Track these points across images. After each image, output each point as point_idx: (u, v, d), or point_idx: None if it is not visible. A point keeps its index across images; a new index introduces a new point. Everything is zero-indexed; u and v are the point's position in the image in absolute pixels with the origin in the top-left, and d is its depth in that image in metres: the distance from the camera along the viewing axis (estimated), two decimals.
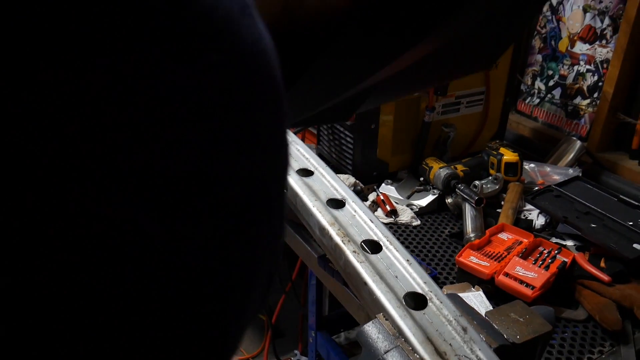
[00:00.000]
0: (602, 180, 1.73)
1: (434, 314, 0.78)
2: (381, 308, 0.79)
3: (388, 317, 0.77)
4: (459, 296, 0.89)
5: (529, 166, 1.54)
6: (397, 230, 1.32)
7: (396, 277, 0.83)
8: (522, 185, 1.42)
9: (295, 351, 2.19)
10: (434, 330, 0.75)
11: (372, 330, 0.76)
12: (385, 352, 0.73)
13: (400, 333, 0.75)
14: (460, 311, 0.78)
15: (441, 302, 0.79)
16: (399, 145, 1.49)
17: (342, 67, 0.41)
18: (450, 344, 0.73)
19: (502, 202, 1.37)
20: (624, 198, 1.29)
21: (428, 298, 0.80)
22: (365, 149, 1.44)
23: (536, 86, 2.08)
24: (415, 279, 0.83)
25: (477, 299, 1.06)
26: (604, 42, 1.82)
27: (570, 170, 1.53)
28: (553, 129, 2.04)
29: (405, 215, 1.35)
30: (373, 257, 0.87)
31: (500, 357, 0.73)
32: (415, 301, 0.80)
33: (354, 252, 0.87)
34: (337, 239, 0.90)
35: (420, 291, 0.81)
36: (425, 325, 0.76)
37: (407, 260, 0.86)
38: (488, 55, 0.54)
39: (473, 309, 0.86)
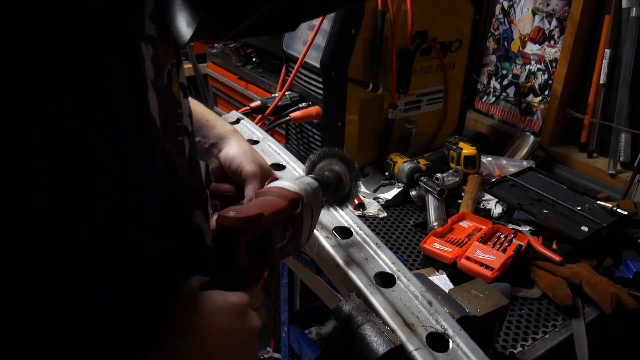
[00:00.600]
0: (555, 172, 1.84)
1: (402, 291, 0.84)
2: (354, 287, 0.85)
3: (360, 294, 0.83)
4: (424, 275, 0.96)
5: (486, 160, 1.64)
6: (365, 222, 1.38)
7: (366, 259, 0.90)
8: (481, 177, 1.51)
9: (268, 348, 2.24)
10: (403, 305, 0.81)
11: (346, 307, 0.82)
12: (359, 326, 0.79)
13: (371, 308, 0.81)
14: (426, 287, 0.85)
15: (408, 280, 0.86)
16: (365, 142, 1.56)
17: None
18: (417, 317, 0.80)
19: (463, 193, 1.45)
20: (574, 187, 1.39)
21: (396, 277, 0.87)
22: (333, 146, 1.49)
23: (492, 85, 2.19)
24: (384, 260, 0.89)
25: (441, 282, 1.13)
26: (552, 42, 1.94)
27: (525, 163, 1.62)
28: (508, 125, 2.15)
29: (373, 208, 1.42)
30: (344, 241, 0.93)
31: (462, 326, 0.80)
32: (384, 280, 0.86)
33: (327, 237, 0.93)
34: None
35: (389, 271, 0.88)
36: (395, 300, 0.82)
37: (376, 244, 0.92)
38: None
39: (438, 286, 0.93)
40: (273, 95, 1.56)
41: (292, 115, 1.46)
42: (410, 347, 0.75)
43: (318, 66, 1.40)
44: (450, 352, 0.76)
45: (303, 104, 1.50)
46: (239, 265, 0.58)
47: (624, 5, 1.68)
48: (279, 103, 1.51)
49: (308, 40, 1.43)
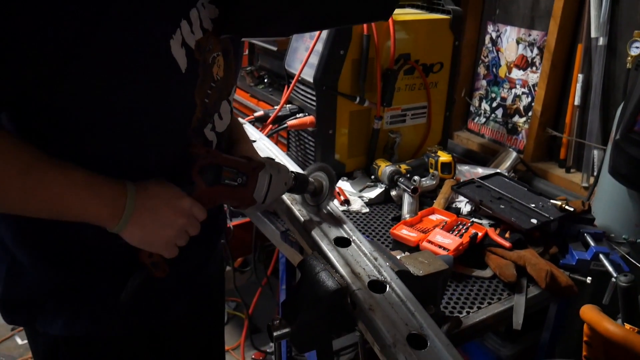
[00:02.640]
0: (534, 184, 2.02)
1: (354, 250, 1.05)
2: (316, 247, 1.06)
3: (320, 252, 1.04)
4: (379, 243, 1.15)
5: (463, 168, 1.83)
6: (349, 215, 1.59)
7: (329, 226, 1.10)
8: (456, 182, 1.70)
9: (272, 344, 2.42)
10: (353, 260, 1.02)
11: (309, 260, 1.02)
12: (316, 273, 0.99)
13: (328, 262, 1.01)
14: (375, 248, 1.05)
15: (361, 243, 1.06)
16: (354, 149, 1.77)
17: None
18: (363, 268, 1.00)
19: None
20: (532, 188, 1.57)
21: (352, 240, 1.07)
22: (325, 151, 1.72)
23: (482, 107, 2.39)
24: (344, 227, 1.10)
25: None
26: (534, 68, 2.14)
27: (498, 171, 1.81)
28: (497, 143, 2.34)
29: (357, 205, 1.62)
30: (313, 214, 1.14)
31: (403, 281, 0.99)
32: (341, 242, 1.07)
33: (300, 210, 1.15)
34: (287, 202, 1.17)
35: (346, 236, 1.08)
36: (347, 256, 1.02)
37: (338, 215, 1.13)
38: (383, 8, 0.88)
39: (387, 250, 1.13)
40: (274, 107, 1.80)
41: (289, 123, 1.69)
42: (354, 287, 0.94)
43: (312, 81, 1.63)
44: (386, 294, 0.95)
45: (300, 115, 1.73)
46: (191, 180, 0.85)
47: (593, 35, 1.88)
48: (279, 113, 1.74)
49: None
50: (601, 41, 1.86)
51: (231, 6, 0.85)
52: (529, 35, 2.13)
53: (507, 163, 2.07)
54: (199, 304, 1.09)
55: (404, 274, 1.02)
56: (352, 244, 1.06)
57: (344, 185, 1.71)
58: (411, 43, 1.73)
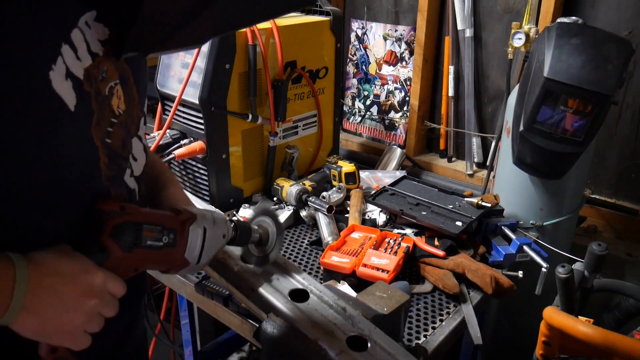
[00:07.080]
0: (423, 178, 2.03)
1: (317, 303, 0.90)
2: (271, 307, 0.89)
3: (279, 313, 0.87)
4: (332, 285, 1.02)
5: (364, 174, 1.76)
6: None
7: (278, 279, 0.94)
8: (362, 191, 1.63)
9: None
10: (320, 315, 0.87)
11: (267, 327, 0.85)
12: (283, 344, 0.82)
13: (292, 324, 0.85)
14: (338, 296, 0.91)
15: (320, 292, 0.92)
16: (250, 171, 1.60)
17: None
18: (335, 324, 0.86)
19: (348, 208, 1.55)
20: (443, 188, 1.55)
21: (309, 291, 0.92)
22: (220, 178, 1.52)
23: (356, 106, 2.36)
24: (295, 277, 0.94)
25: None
26: (404, 63, 2.15)
27: (397, 173, 1.77)
28: (376, 141, 2.32)
29: None
30: (253, 267, 0.96)
31: (375, 324, 0.87)
32: (298, 295, 0.91)
33: (236, 264, 0.96)
34: (219, 256, 0.98)
35: (300, 287, 0.93)
36: (312, 313, 0.87)
37: (284, 263, 0.97)
38: None
39: (346, 293, 1.00)
40: (152, 135, 1.55)
41: (177, 153, 1.46)
42: (332, 354, 0.80)
43: (197, 102, 1.42)
44: (370, 349, 0.82)
45: (185, 141, 1.51)
46: (101, 244, 0.64)
47: (459, 27, 1.92)
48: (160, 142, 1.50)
49: (182, 78, 1.45)
50: (468, 32, 1.91)
51: (127, 19, 0.65)
52: (395, 30, 2.13)
53: (394, 161, 2.05)
54: None
55: (378, 319, 0.90)
56: (311, 295, 0.91)
57: (247, 213, 1.54)
58: (295, 49, 1.60)
